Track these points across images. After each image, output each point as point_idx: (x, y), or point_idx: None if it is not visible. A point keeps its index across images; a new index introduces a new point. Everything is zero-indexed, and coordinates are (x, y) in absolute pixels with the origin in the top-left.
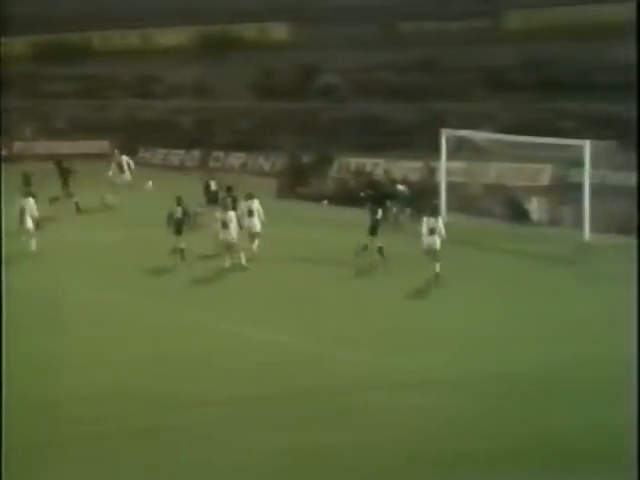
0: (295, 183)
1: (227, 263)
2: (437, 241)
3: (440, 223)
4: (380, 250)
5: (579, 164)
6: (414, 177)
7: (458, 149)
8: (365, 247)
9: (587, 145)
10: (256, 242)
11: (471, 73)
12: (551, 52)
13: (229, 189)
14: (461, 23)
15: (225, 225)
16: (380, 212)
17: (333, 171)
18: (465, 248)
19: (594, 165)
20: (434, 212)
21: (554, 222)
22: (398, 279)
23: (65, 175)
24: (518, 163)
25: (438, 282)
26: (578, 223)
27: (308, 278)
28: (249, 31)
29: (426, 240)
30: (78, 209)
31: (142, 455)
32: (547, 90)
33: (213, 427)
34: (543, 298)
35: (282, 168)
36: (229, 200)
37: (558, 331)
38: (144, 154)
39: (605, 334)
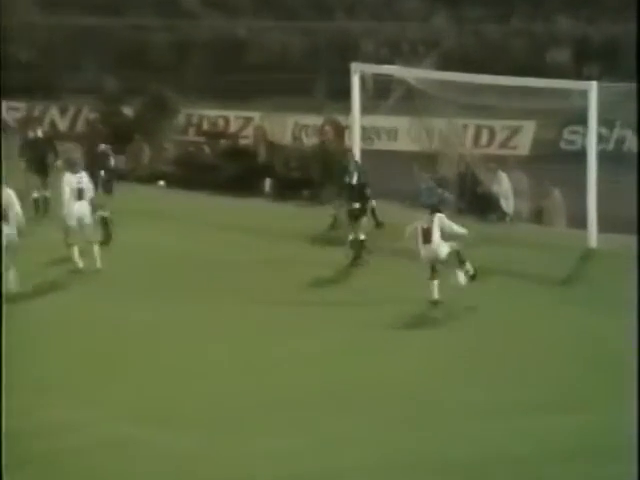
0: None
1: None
2: (443, 249)
3: (448, 223)
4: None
5: (579, 120)
6: (310, 141)
7: (381, 95)
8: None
9: (593, 89)
10: (96, 250)
11: None
12: None
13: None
14: None
15: None
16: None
17: (174, 130)
18: (401, 261)
19: (604, 121)
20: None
21: (539, 216)
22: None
23: None
24: (479, 119)
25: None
26: (579, 218)
27: (141, 311)
28: None
29: (424, 250)
30: None
31: None
32: (522, 1)
33: None
34: (527, 350)
35: (89, 125)
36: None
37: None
38: None
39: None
